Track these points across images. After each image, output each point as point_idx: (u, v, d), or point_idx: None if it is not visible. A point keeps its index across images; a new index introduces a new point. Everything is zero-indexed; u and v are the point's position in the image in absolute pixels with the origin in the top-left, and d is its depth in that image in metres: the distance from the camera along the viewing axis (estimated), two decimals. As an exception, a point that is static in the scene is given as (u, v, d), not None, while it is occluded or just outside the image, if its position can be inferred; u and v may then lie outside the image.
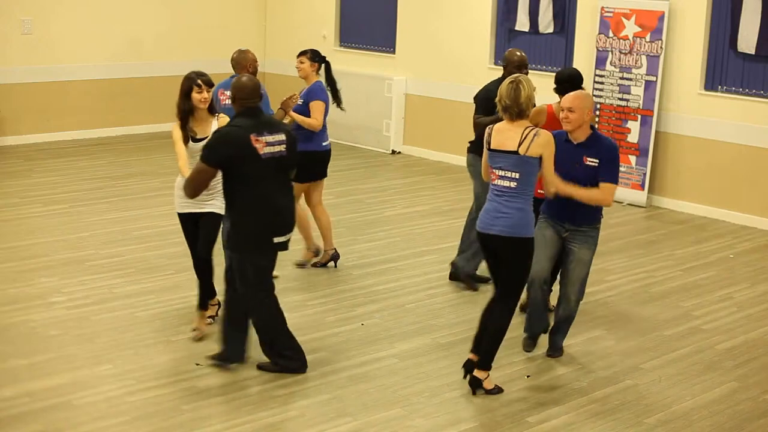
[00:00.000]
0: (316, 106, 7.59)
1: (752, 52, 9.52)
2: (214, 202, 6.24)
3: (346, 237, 8.78)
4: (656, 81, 10.09)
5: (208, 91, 6.15)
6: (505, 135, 5.50)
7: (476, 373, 5.66)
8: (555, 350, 6.28)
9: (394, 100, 12.56)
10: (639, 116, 10.23)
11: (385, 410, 5.46)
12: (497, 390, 5.70)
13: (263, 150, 5.56)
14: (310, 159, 7.50)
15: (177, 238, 7.90)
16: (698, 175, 10.02)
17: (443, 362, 6.13)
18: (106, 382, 5.71)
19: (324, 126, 7.67)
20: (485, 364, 5.66)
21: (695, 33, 9.89)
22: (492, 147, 5.55)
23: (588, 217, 5.98)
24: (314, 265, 7.93)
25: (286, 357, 5.87)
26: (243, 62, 7.53)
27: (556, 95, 6.64)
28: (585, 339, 6.59)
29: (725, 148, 9.79)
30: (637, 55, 10.21)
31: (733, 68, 9.74)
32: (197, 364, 5.94)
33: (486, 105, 7.25)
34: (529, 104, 5.50)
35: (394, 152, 12.65)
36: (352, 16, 13.31)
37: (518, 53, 7.26)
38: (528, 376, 5.95)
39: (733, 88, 9.76)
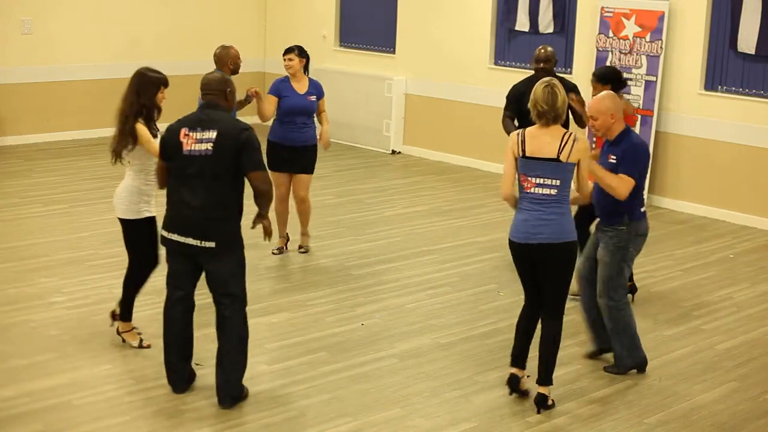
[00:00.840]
0: (324, 103, 8.15)
1: (752, 52, 9.52)
2: None
3: (346, 237, 8.78)
4: (656, 81, 10.10)
5: None
6: (541, 141, 5.31)
7: (541, 389, 5.54)
8: (615, 366, 6.11)
9: (394, 100, 12.55)
10: (639, 116, 10.23)
11: (385, 410, 5.46)
12: (554, 404, 5.59)
13: (189, 146, 5.34)
14: (314, 152, 8.10)
15: (177, 238, 7.90)
16: (698, 175, 10.02)
17: (443, 362, 6.13)
18: (106, 382, 5.71)
19: None
20: (548, 379, 5.57)
21: (695, 33, 9.89)
22: (527, 155, 5.34)
23: (607, 217, 5.88)
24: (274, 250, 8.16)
25: (168, 366, 5.64)
26: (225, 58, 7.64)
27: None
28: (585, 339, 6.59)
29: (725, 148, 9.79)
30: (637, 55, 10.21)
31: (733, 68, 9.74)
32: (197, 364, 5.93)
33: (513, 102, 7.68)
34: (565, 108, 5.35)
35: (394, 152, 12.64)
36: (352, 16, 13.31)
37: (543, 50, 7.71)
38: (528, 376, 5.94)
39: (733, 88, 9.76)
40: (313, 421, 5.32)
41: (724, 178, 9.84)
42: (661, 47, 10.04)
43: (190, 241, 5.39)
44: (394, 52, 12.77)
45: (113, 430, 5.17)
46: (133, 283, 6.20)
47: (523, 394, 5.65)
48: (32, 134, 12.42)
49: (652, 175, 10.26)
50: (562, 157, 5.27)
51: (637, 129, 10.23)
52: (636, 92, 10.23)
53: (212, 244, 5.37)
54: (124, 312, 6.24)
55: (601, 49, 10.49)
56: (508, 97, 7.79)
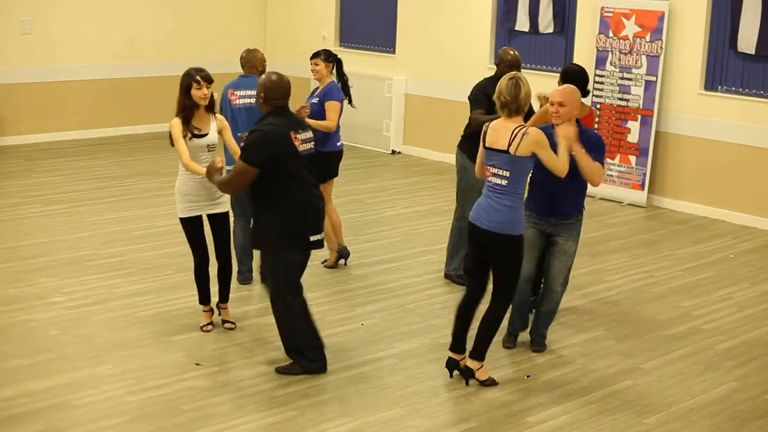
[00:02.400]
0: (331, 107, 7.64)
1: (752, 52, 9.51)
2: (222, 201, 6.32)
3: (347, 237, 8.75)
4: (656, 81, 10.09)
5: (207, 87, 6.12)
6: (499, 133, 5.55)
7: (469, 363, 5.75)
8: (539, 344, 6.35)
9: (394, 100, 12.56)
10: (639, 116, 10.23)
11: (385, 410, 5.46)
12: (491, 381, 5.75)
13: (300, 147, 5.62)
14: (324, 159, 7.54)
15: (177, 238, 7.89)
16: (698, 175, 10.02)
17: (443, 362, 6.11)
18: (106, 382, 5.71)
19: (338, 126, 7.73)
20: (479, 354, 5.75)
21: (695, 33, 9.89)
22: (486, 145, 5.61)
23: (572, 207, 6.07)
24: (324, 264, 7.96)
25: (308, 359, 5.85)
26: (252, 61, 7.54)
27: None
28: (585, 339, 6.59)
29: (725, 148, 9.79)
30: (637, 55, 10.21)
31: (733, 68, 9.74)
32: (197, 364, 5.94)
33: (482, 100, 7.27)
34: (528, 101, 5.54)
35: (394, 152, 12.64)
36: (352, 16, 13.31)
37: (512, 52, 7.34)
38: (528, 376, 5.95)
39: (733, 88, 9.76)
40: (313, 421, 5.32)
41: (724, 178, 9.84)
42: (661, 47, 10.04)
43: (323, 234, 5.84)
44: (394, 52, 12.77)
45: (113, 430, 5.17)
46: (195, 274, 6.46)
47: (487, 384, 5.80)
48: (32, 134, 12.42)
49: (653, 175, 10.26)
50: (511, 150, 5.46)
51: (636, 129, 10.24)
52: (636, 92, 10.24)
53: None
54: (200, 297, 6.51)
55: (601, 49, 10.49)
56: (473, 98, 7.35)
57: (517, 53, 7.32)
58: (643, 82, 10.19)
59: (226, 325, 6.51)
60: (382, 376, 5.92)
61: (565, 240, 6.10)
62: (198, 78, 6.09)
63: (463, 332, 5.84)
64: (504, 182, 5.52)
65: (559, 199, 6.00)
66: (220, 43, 13.52)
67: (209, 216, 6.34)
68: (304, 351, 5.85)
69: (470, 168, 6.88)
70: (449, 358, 5.88)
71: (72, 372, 5.82)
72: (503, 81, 5.55)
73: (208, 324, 6.49)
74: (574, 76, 6.80)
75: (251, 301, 7.03)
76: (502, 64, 7.27)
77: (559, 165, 5.60)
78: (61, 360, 6.00)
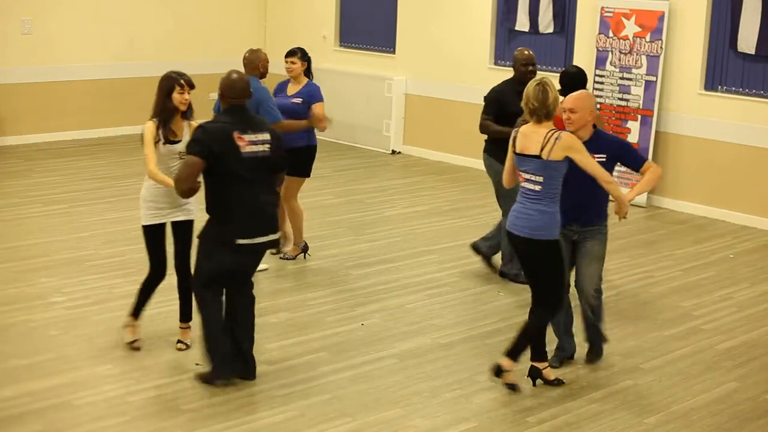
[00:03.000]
0: (320, 108, 7.84)
1: (752, 52, 9.52)
2: (188, 208, 6.12)
3: (347, 237, 8.78)
4: (656, 81, 10.10)
5: (189, 93, 5.98)
6: (529, 138, 5.48)
7: (501, 361, 5.71)
8: (596, 354, 6.23)
9: (394, 100, 12.56)
10: (639, 116, 10.24)
11: (385, 410, 5.47)
12: (512, 386, 5.73)
13: (245, 148, 5.50)
14: (299, 154, 7.70)
15: (177, 238, 7.90)
16: (698, 175, 10.02)
17: (443, 362, 6.13)
18: (106, 382, 5.71)
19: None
20: (513, 354, 5.70)
21: (695, 33, 9.89)
22: (517, 151, 5.54)
23: (596, 214, 5.93)
24: (284, 257, 8.03)
25: (214, 364, 5.66)
26: (255, 62, 7.61)
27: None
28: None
29: (725, 148, 9.79)
30: (637, 55, 10.21)
31: (733, 68, 9.74)
32: (197, 364, 5.94)
33: (494, 106, 7.48)
34: (556, 106, 5.49)
35: (394, 152, 12.64)
36: (352, 16, 13.31)
37: (526, 52, 7.54)
38: (528, 376, 5.95)
39: (733, 88, 9.76)
40: (313, 421, 5.32)
41: (724, 178, 9.84)
42: (661, 47, 10.05)
43: (270, 237, 5.68)
44: (394, 52, 12.77)
45: (113, 430, 5.18)
46: (143, 285, 6.25)
47: (554, 384, 5.81)
48: (32, 134, 12.42)
49: (652, 175, 10.26)
50: (543, 155, 5.41)
51: (636, 129, 10.24)
52: (636, 92, 10.24)
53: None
54: (134, 308, 6.25)
55: (601, 49, 10.49)
56: (487, 100, 7.58)
57: (530, 52, 7.57)
58: (643, 82, 10.19)
59: (179, 345, 6.21)
60: (382, 376, 5.92)
61: (593, 244, 5.92)
62: (182, 82, 5.94)
63: (539, 343, 5.81)
64: (537, 188, 5.47)
65: (581, 207, 5.85)
66: (220, 43, 13.52)
67: (173, 224, 6.13)
68: (213, 354, 5.66)
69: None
70: (531, 366, 5.85)
71: (72, 372, 5.83)
72: (530, 86, 5.49)
73: (135, 341, 6.20)
74: (573, 78, 6.82)
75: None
76: (518, 63, 7.49)
77: (597, 167, 5.51)
78: (61, 360, 6.00)
